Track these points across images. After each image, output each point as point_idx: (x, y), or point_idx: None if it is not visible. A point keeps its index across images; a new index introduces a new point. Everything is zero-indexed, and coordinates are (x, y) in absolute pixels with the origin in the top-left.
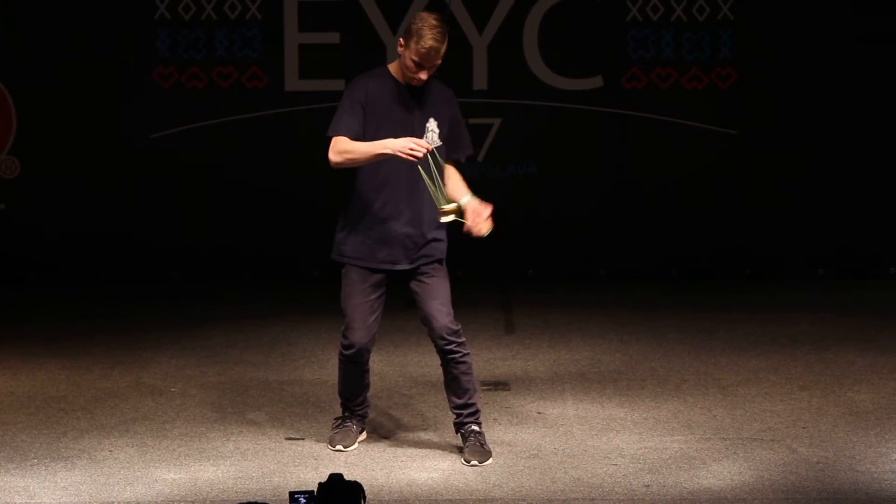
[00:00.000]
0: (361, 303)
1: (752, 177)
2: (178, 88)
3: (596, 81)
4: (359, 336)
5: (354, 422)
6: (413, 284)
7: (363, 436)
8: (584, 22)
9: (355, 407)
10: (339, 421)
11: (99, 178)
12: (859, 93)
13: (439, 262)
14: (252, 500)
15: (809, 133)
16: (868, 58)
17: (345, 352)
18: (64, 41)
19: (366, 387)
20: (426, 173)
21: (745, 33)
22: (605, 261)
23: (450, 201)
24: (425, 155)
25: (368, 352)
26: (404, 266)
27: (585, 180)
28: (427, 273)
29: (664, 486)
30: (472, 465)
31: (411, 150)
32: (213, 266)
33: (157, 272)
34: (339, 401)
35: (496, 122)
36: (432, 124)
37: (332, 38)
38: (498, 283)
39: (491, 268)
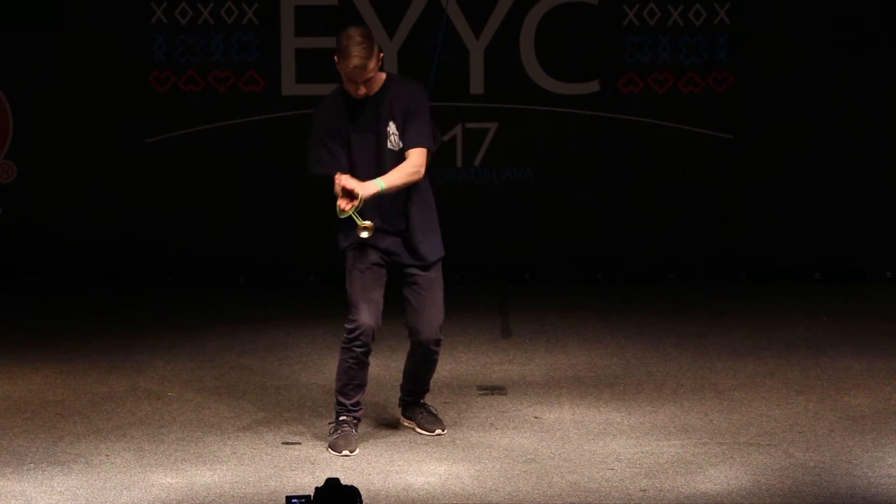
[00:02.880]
0: (364, 285)
1: (749, 181)
2: (174, 92)
3: (593, 86)
4: (364, 317)
5: (352, 426)
6: (406, 291)
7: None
8: (581, 26)
9: (352, 407)
10: (336, 425)
11: (96, 182)
12: (856, 97)
13: (437, 268)
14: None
15: (806, 137)
16: (865, 61)
17: (349, 335)
18: (60, 45)
19: (363, 385)
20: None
21: (742, 37)
22: (602, 265)
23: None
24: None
25: (372, 337)
26: (403, 260)
27: (582, 184)
28: (420, 282)
29: (661, 491)
30: (437, 434)
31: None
32: (210, 271)
33: (153, 277)
34: (335, 401)
35: (493, 126)
36: (391, 128)
37: (329, 42)
38: (494, 287)
39: (487, 272)
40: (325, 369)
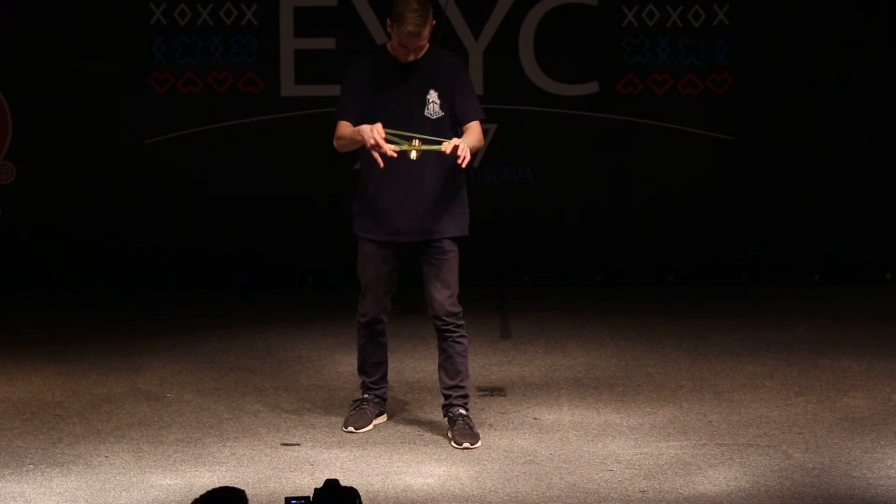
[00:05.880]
0: (374, 275)
1: (748, 182)
2: (174, 93)
3: (592, 87)
4: (371, 306)
5: (372, 404)
6: (422, 262)
7: (382, 419)
8: (580, 27)
9: (373, 385)
10: (358, 403)
11: (95, 183)
12: (855, 98)
13: (451, 240)
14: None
15: (805, 138)
16: (863, 63)
17: (360, 319)
18: (60, 46)
19: (383, 362)
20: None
21: (741, 39)
22: (601, 266)
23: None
24: (399, 151)
25: (382, 322)
26: (410, 238)
27: (581, 186)
28: (436, 254)
29: (660, 492)
30: (464, 448)
31: (371, 144)
32: (208, 272)
33: (152, 278)
34: (360, 380)
35: (492, 127)
36: (433, 95)
37: (328, 43)
38: (494, 288)
39: (487, 273)
40: (323, 370)
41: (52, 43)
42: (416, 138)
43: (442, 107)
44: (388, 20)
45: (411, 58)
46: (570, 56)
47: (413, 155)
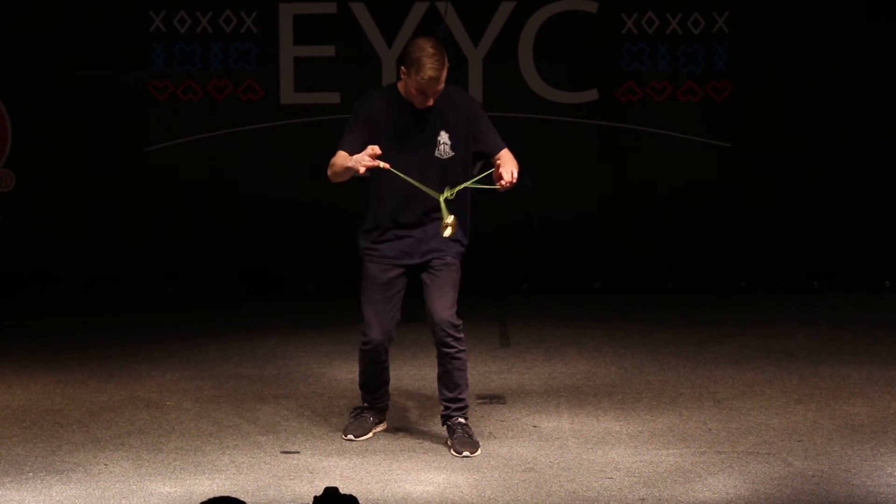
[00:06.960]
0: (378, 300)
1: (747, 190)
2: (173, 101)
3: (591, 94)
4: (375, 333)
5: (372, 413)
6: (424, 275)
7: (381, 427)
8: (580, 35)
9: (374, 399)
10: (357, 411)
11: (94, 191)
12: (854, 105)
13: (454, 255)
14: None
15: (804, 146)
16: (863, 70)
17: (363, 347)
18: (59, 54)
19: (385, 381)
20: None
21: (740, 46)
22: (600, 274)
23: (449, 215)
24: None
25: (386, 349)
26: (415, 261)
27: (580, 193)
28: (438, 267)
29: (659, 500)
30: (464, 457)
31: (364, 164)
32: (208, 279)
33: (151, 285)
34: (360, 393)
35: None
36: (443, 137)
37: (328, 51)
38: (493, 296)
39: (486, 281)
40: (323, 378)
41: (52, 48)
42: (444, 201)
43: (453, 147)
44: (401, 68)
45: (430, 102)
46: (569, 63)
47: (447, 232)
